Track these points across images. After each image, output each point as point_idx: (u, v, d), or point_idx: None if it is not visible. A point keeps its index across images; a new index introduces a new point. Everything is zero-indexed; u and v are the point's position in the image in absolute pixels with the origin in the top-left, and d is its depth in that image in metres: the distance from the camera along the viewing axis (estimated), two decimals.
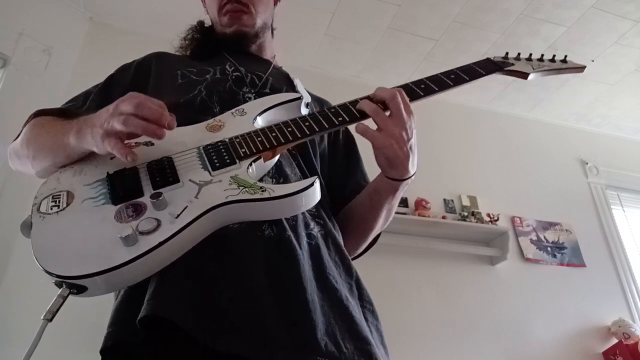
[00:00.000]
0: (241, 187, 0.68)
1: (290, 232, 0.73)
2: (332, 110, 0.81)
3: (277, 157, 0.80)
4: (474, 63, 0.91)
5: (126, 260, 0.59)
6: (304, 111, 0.90)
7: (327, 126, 0.78)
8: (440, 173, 3.09)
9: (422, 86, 0.84)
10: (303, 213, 0.79)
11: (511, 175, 3.33)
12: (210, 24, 1.14)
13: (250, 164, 0.73)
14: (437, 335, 2.56)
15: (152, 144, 0.76)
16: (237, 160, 0.73)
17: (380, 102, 0.79)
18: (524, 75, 0.93)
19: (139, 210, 0.66)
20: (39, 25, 2.58)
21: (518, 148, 3.50)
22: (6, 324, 1.98)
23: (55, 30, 2.66)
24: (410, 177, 0.83)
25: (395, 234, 2.67)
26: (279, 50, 1.19)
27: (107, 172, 0.72)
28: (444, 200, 3.03)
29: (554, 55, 0.97)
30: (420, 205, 2.85)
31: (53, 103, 0.95)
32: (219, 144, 0.77)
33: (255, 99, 0.92)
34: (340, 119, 0.79)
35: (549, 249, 3.08)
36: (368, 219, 0.93)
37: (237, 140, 0.77)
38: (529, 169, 3.42)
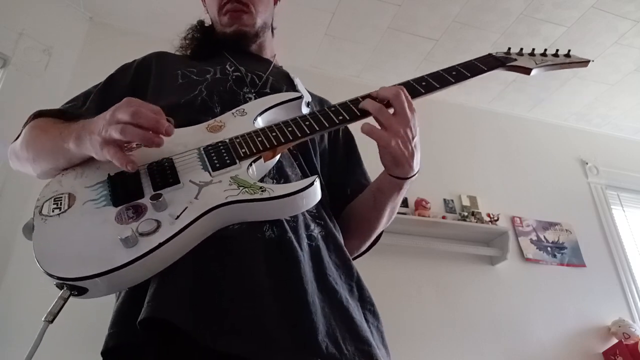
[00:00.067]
0: (241, 188, 0.68)
1: (291, 234, 0.73)
2: (333, 109, 0.80)
3: (277, 157, 0.80)
4: (475, 59, 0.90)
5: (126, 262, 0.59)
6: (305, 110, 0.90)
7: (327, 125, 0.78)
8: (440, 173, 3.09)
9: (423, 83, 0.84)
10: (304, 214, 0.79)
11: (511, 175, 3.33)
12: (210, 23, 1.14)
13: (251, 164, 0.73)
14: (437, 335, 2.56)
15: None
16: (237, 161, 0.73)
17: (384, 100, 0.78)
18: (526, 71, 0.92)
19: (139, 211, 0.66)
20: (39, 25, 2.58)
21: (518, 148, 3.50)
22: (6, 324, 1.98)
23: (55, 30, 2.66)
24: (414, 175, 0.83)
25: (396, 234, 2.67)
26: (279, 50, 1.19)
27: (108, 174, 0.72)
28: (444, 200, 3.03)
29: (557, 50, 0.95)
30: (420, 205, 2.85)
31: (53, 103, 0.95)
32: (219, 144, 0.76)
33: (255, 98, 0.92)
34: (340, 117, 0.78)
35: (549, 249, 3.08)
36: (371, 218, 0.93)
37: (238, 140, 0.77)
38: (529, 169, 3.42)
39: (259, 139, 0.76)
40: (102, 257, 0.60)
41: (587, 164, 3.59)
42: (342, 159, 1.05)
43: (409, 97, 0.79)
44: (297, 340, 0.64)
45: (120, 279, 0.60)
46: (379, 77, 3.26)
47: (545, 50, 0.95)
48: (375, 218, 0.93)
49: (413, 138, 0.79)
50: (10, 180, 2.17)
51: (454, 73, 0.86)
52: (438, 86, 0.84)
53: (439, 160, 3.11)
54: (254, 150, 0.74)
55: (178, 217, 0.64)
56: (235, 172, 0.71)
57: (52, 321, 0.60)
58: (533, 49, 0.95)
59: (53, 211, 0.68)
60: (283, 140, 0.76)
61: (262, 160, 0.75)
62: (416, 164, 0.81)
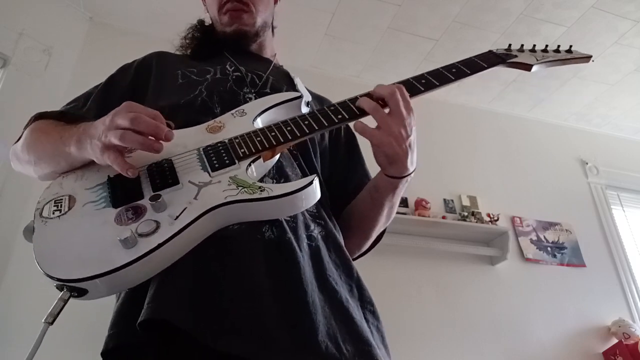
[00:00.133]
0: (240, 188, 0.68)
1: (290, 234, 0.73)
2: (332, 108, 0.80)
3: (277, 157, 0.80)
4: (475, 56, 0.89)
5: (126, 263, 0.59)
6: (305, 110, 0.89)
7: (326, 124, 0.78)
8: (440, 173, 3.09)
9: (423, 81, 0.83)
10: (303, 214, 0.79)
11: (511, 175, 3.33)
12: (211, 22, 1.14)
13: (250, 164, 0.73)
14: (437, 335, 2.56)
15: None
16: (236, 161, 0.73)
17: (380, 99, 0.78)
18: (527, 67, 0.91)
19: (138, 212, 0.66)
20: (39, 25, 2.58)
21: (518, 148, 3.50)
22: (6, 324, 1.98)
23: (55, 30, 2.66)
24: (410, 174, 0.83)
25: (396, 234, 2.67)
26: (279, 50, 1.19)
27: (108, 176, 0.73)
28: (444, 200, 3.03)
29: (559, 46, 0.94)
30: (420, 205, 2.85)
31: (53, 103, 0.95)
32: (219, 144, 0.76)
33: (255, 98, 0.92)
34: (339, 116, 0.78)
35: (549, 249, 3.08)
36: (369, 217, 0.93)
37: (237, 140, 0.77)
38: (529, 169, 3.42)
39: (258, 139, 0.76)
40: (102, 259, 0.60)
41: (587, 164, 3.59)
42: (343, 156, 1.05)
43: (406, 95, 0.79)
44: (296, 341, 0.64)
45: (120, 279, 0.60)
46: (379, 77, 3.26)
47: (547, 46, 0.94)
48: (373, 217, 0.92)
49: (408, 137, 0.78)
50: (10, 180, 2.17)
51: (453, 70, 0.85)
52: (438, 84, 0.83)
53: (439, 160, 3.11)
54: (253, 150, 0.74)
55: (177, 217, 0.64)
56: (235, 172, 0.71)
57: (52, 323, 0.60)
58: (534, 45, 0.94)
59: (53, 213, 0.68)
60: (282, 140, 0.76)
61: (261, 160, 0.75)
62: (411, 163, 0.81)
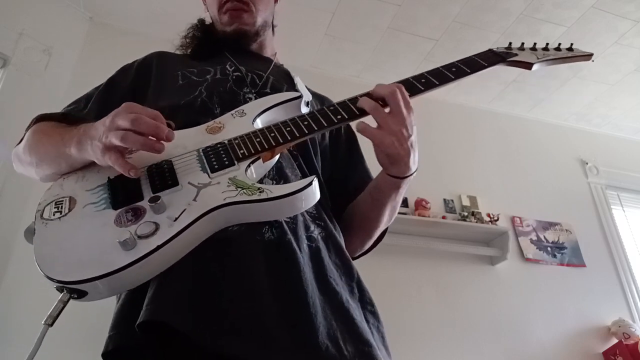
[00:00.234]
0: (239, 189, 0.68)
1: (290, 235, 0.73)
2: (332, 108, 0.80)
3: (277, 158, 0.80)
4: (475, 55, 0.89)
5: (125, 265, 0.59)
6: (305, 110, 0.89)
7: (326, 125, 0.78)
8: (440, 173, 3.09)
9: (423, 80, 0.83)
10: (303, 215, 0.78)
11: (511, 175, 3.33)
12: (211, 22, 1.14)
13: (249, 165, 0.73)
14: (437, 335, 2.56)
15: None
16: (235, 162, 0.72)
17: (380, 99, 0.78)
18: (528, 66, 0.90)
19: (138, 214, 0.66)
20: (39, 25, 2.58)
21: (518, 148, 3.50)
22: (6, 324, 1.98)
23: (55, 30, 2.66)
24: (412, 174, 0.83)
25: (395, 234, 2.67)
26: (279, 49, 1.19)
27: (108, 177, 0.73)
28: (444, 200, 3.03)
29: (560, 44, 0.94)
30: (420, 205, 2.85)
31: (53, 103, 0.96)
32: (218, 145, 0.76)
33: (256, 98, 0.92)
34: (339, 117, 0.78)
35: (549, 249, 3.08)
36: (371, 217, 0.93)
37: (236, 141, 0.76)
38: (529, 169, 3.42)
39: (258, 139, 0.76)
40: (101, 260, 0.60)
41: (587, 164, 3.59)
42: (344, 155, 1.05)
43: (406, 94, 0.79)
44: (297, 340, 0.64)
45: (119, 281, 0.60)
46: (379, 77, 3.26)
47: (547, 44, 0.94)
48: (375, 217, 0.92)
49: (409, 137, 0.78)
50: (10, 180, 2.17)
51: (453, 69, 0.85)
52: (437, 83, 0.83)
53: (439, 160, 3.11)
54: (252, 151, 0.74)
55: (176, 219, 0.64)
56: (234, 173, 0.71)
57: (52, 324, 0.60)
58: (535, 44, 0.94)
59: (54, 215, 0.68)
60: (281, 141, 0.76)
61: (260, 161, 0.75)
62: (413, 162, 0.81)
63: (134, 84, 0.98)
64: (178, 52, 1.11)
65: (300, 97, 0.90)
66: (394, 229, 2.67)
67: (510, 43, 0.94)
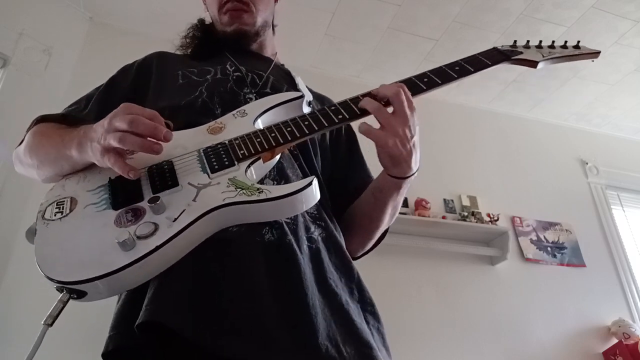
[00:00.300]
0: (239, 189, 0.68)
1: (290, 236, 0.73)
2: (333, 108, 0.79)
3: (277, 158, 0.80)
4: (479, 53, 0.87)
5: (123, 265, 0.59)
6: (306, 110, 0.88)
7: (327, 125, 0.77)
8: (440, 173, 3.09)
9: (425, 80, 0.82)
10: (304, 216, 0.78)
11: (511, 175, 3.33)
12: (211, 22, 1.14)
13: (249, 166, 0.72)
14: (437, 335, 2.56)
15: None
16: (235, 162, 0.72)
17: (383, 99, 0.78)
18: (533, 64, 0.88)
19: (138, 214, 0.66)
20: (39, 25, 2.58)
21: (518, 148, 3.50)
22: (6, 324, 1.98)
23: (55, 30, 2.66)
24: (413, 174, 0.83)
25: (395, 234, 2.66)
26: (279, 49, 1.19)
27: (109, 178, 0.73)
28: (444, 200, 3.03)
29: (566, 42, 0.92)
30: (420, 205, 2.85)
31: (53, 103, 0.96)
32: (219, 146, 0.76)
33: (256, 99, 0.91)
34: (340, 116, 0.78)
35: (549, 249, 3.08)
36: (373, 217, 0.93)
37: (237, 141, 0.76)
38: (529, 169, 3.41)
39: (258, 140, 0.76)
40: (101, 261, 0.60)
41: (587, 164, 3.59)
42: (344, 155, 1.05)
43: (409, 95, 0.78)
44: (297, 341, 0.64)
45: (119, 282, 0.60)
46: (379, 77, 3.26)
47: (553, 42, 0.92)
48: (376, 217, 0.92)
49: (412, 137, 0.78)
50: (10, 180, 2.17)
51: (457, 68, 0.83)
52: (440, 82, 0.81)
53: (439, 160, 3.11)
54: (252, 152, 0.74)
55: (176, 219, 0.64)
56: (234, 173, 0.71)
57: (51, 324, 0.60)
58: (540, 41, 0.92)
59: (55, 215, 0.68)
60: (282, 141, 0.75)
61: (261, 161, 0.74)
62: (415, 163, 0.81)
63: (134, 84, 0.98)
64: (178, 52, 1.11)
65: (302, 96, 0.89)
66: (394, 229, 2.64)
67: (515, 41, 0.92)
